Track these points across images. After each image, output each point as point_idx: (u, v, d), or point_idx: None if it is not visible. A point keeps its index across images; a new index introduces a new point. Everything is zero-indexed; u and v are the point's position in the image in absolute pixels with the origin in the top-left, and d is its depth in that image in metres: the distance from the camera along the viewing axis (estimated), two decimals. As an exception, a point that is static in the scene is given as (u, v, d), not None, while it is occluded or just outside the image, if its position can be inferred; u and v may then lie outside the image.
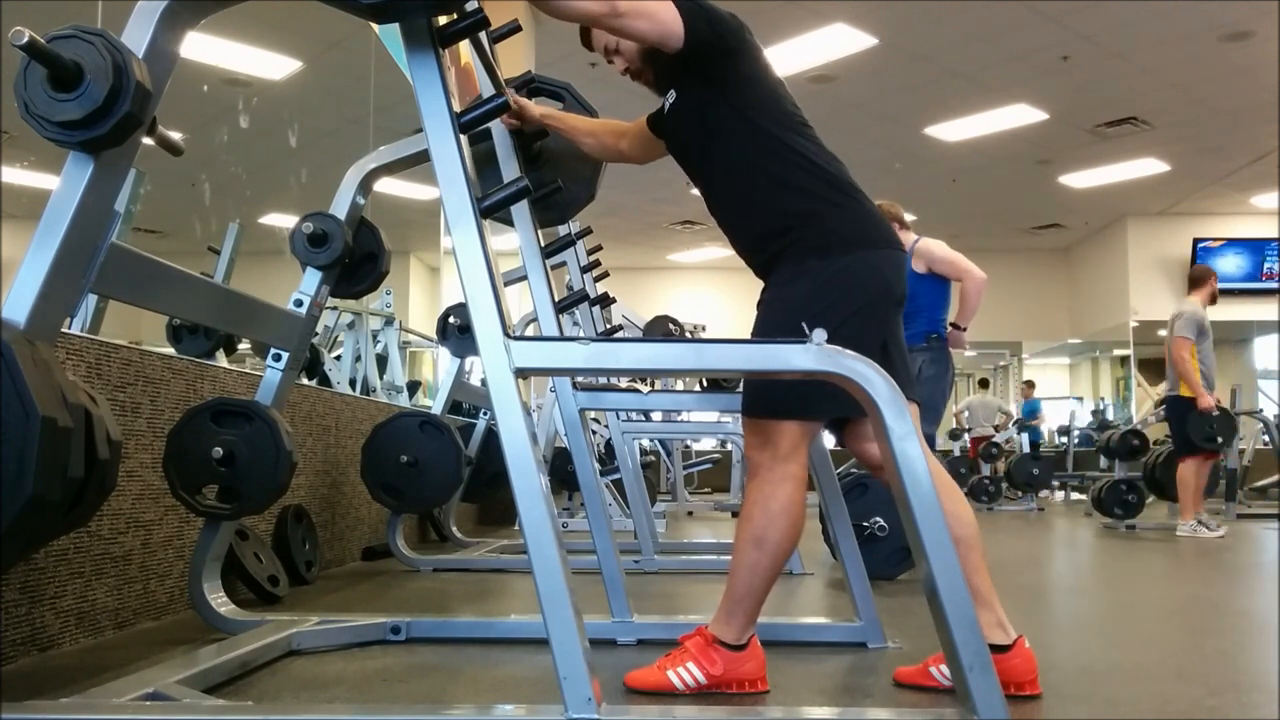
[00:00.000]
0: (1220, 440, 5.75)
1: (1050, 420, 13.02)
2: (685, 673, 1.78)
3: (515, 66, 4.09)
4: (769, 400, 1.80)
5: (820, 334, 1.38)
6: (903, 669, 1.93)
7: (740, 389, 1.97)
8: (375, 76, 6.12)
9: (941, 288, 4.20)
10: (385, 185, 2.79)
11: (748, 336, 1.60)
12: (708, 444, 11.42)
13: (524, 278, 2.43)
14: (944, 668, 1.81)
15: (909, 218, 12.92)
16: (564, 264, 3.75)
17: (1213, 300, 6.02)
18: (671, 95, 1.93)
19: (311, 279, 2.44)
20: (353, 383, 5.74)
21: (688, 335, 6.31)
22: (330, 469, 3.75)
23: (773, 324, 1.79)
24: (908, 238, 4.25)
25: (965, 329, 4.15)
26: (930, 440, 4.28)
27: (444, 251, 8.39)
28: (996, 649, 1.72)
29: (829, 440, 2.35)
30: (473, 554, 4.10)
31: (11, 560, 1.62)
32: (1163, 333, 6.48)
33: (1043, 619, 2.87)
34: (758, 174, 1.83)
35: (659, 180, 10.66)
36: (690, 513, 7.78)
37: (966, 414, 11.87)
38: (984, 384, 13.50)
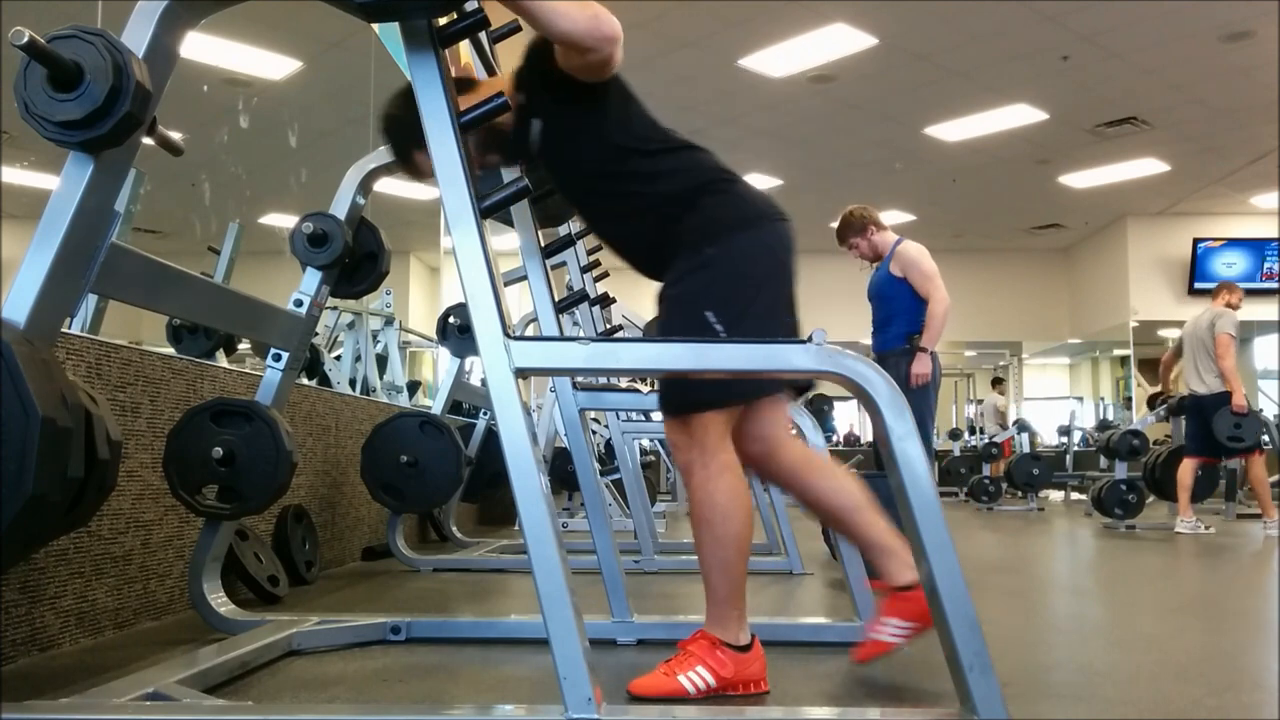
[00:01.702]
0: (1244, 441, 5.77)
1: (1051, 421, 13.04)
2: (696, 676, 1.76)
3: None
4: (690, 395, 1.79)
5: (820, 333, 1.38)
6: (857, 649, 1.93)
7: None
8: (375, 76, 6.12)
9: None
10: (385, 185, 2.79)
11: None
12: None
13: (524, 278, 2.43)
14: (889, 623, 1.88)
15: (908, 218, 12.92)
16: (564, 264, 3.75)
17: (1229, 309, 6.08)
18: (536, 124, 1.85)
19: (311, 279, 2.44)
20: (353, 383, 5.75)
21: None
22: (330, 469, 3.75)
23: (681, 321, 1.77)
24: (888, 239, 4.20)
25: (928, 350, 4.02)
26: (927, 439, 4.27)
27: (444, 251, 8.39)
28: (905, 588, 1.85)
29: (829, 440, 2.35)
30: (473, 554, 4.10)
31: (12, 560, 1.62)
32: (1162, 332, 6.51)
33: (1043, 619, 2.87)
34: (628, 183, 1.82)
35: (659, 180, 10.64)
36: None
37: (982, 414, 11.94)
38: (995, 383, 13.53)
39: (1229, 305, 6.07)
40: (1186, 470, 6.02)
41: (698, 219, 1.80)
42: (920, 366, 3.92)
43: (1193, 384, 6.04)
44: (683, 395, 1.80)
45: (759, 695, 1.79)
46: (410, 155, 1.90)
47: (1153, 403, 6.97)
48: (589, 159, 1.81)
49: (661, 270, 1.87)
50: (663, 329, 1.80)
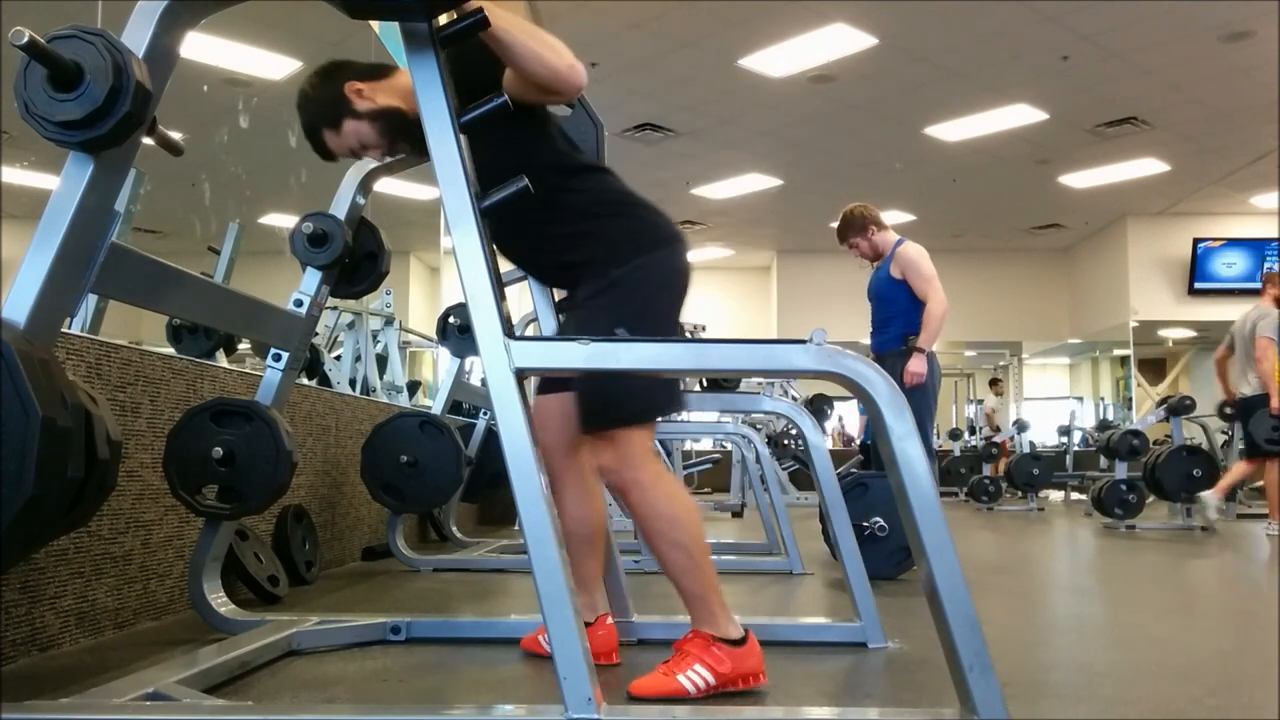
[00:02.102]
0: None
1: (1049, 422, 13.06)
2: (696, 675, 1.76)
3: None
4: (613, 412, 1.81)
5: (820, 333, 1.38)
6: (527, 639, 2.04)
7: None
8: (376, 76, 6.10)
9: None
10: (385, 185, 2.79)
11: (747, 337, 1.61)
12: (708, 444, 11.42)
13: (524, 277, 2.42)
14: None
15: (909, 218, 12.90)
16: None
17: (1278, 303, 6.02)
18: None
19: (311, 279, 2.44)
20: (353, 383, 5.74)
21: (688, 335, 6.31)
22: (330, 469, 3.74)
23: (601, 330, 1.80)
24: (888, 239, 4.19)
25: (925, 352, 3.99)
26: (926, 441, 4.27)
27: (444, 251, 8.39)
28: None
29: (828, 440, 2.36)
30: (473, 554, 4.10)
31: (12, 560, 1.62)
32: (1162, 332, 6.48)
33: (1043, 619, 2.87)
34: (547, 198, 1.83)
35: (659, 180, 10.65)
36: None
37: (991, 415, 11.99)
38: (992, 384, 13.54)
39: (1277, 300, 6.03)
40: (1243, 469, 6.07)
41: (605, 239, 1.84)
42: (915, 366, 3.90)
43: (1240, 384, 6.04)
44: (606, 413, 1.82)
45: (757, 690, 1.79)
46: (319, 134, 1.92)
47: (1221, 411, 6.90)
48: (511, 173, 1.80)
49: (567, 284, 1.93)
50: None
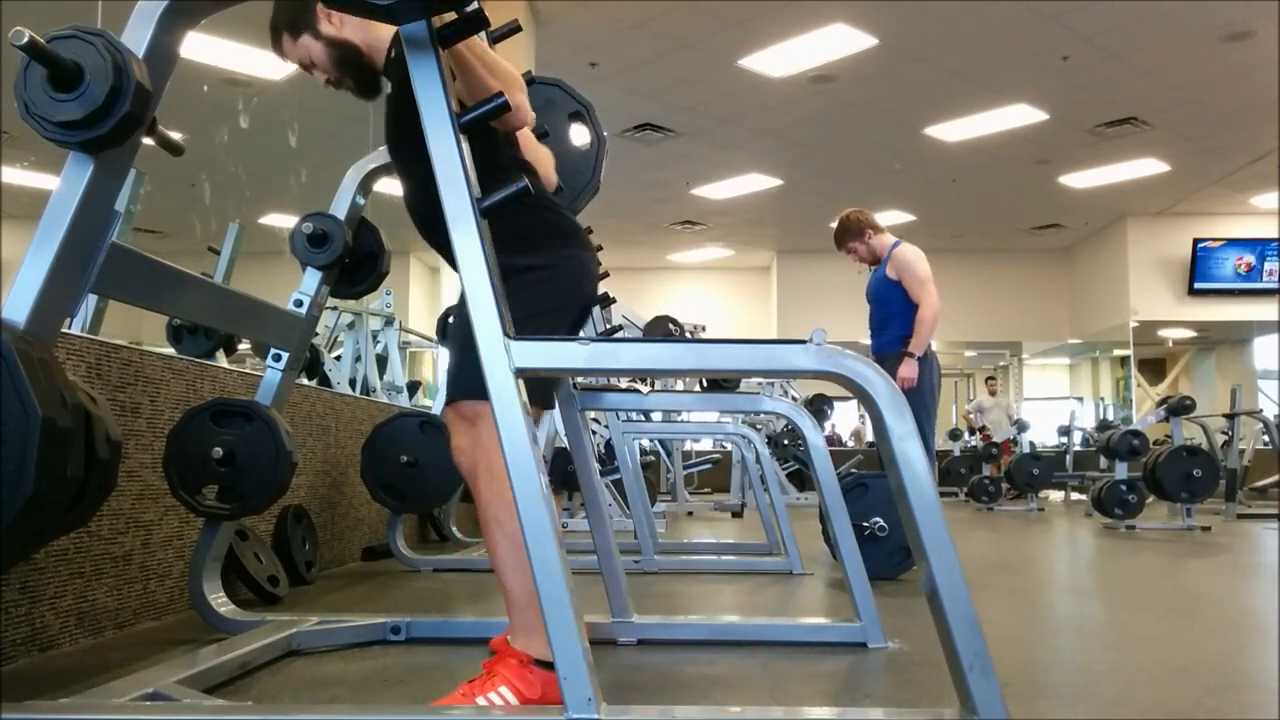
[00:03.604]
0: None
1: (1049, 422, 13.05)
2: (497, 699, 1.61)
3: (515, 66, 4.06)
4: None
5: (820, 333, 1.38)
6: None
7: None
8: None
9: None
10: (385, 185, 2.79)
11: (747, 337, 1.60)
12: (707, 444, 11.42)
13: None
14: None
15: (908, 218, 12.86)
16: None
17: None
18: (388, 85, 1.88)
19: (311, 279, 2.44)
20: (353, 383, 5.75)
21: (688, 335, 6.31)
22: (330, 469, 3.74)
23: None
24: (885, 242, 4.19)
25: (916, 356, 3.94)
26: (925, 442, 4.26)
27: (444, 251, 8.37)
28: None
29: (829, 440, 2.35)
30: (473, 554, 4.10)
31: (12, 560, 1.61)
32: (1162, 332, 6.45)
33: (1043, 619, 2.87)
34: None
35: (659, 180, 10.65)
36: (690, 513, 7.79)
37: (978, 414, 11.96)
38: (986, 381, 13.56)
39: None
40: None
41: (521, 227, 1.77)
42: (905, 371, 3.90)
43: None
44: (479, 384, 1.54)
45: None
46: (279, 34, 1.88)
47: None
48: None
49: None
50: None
